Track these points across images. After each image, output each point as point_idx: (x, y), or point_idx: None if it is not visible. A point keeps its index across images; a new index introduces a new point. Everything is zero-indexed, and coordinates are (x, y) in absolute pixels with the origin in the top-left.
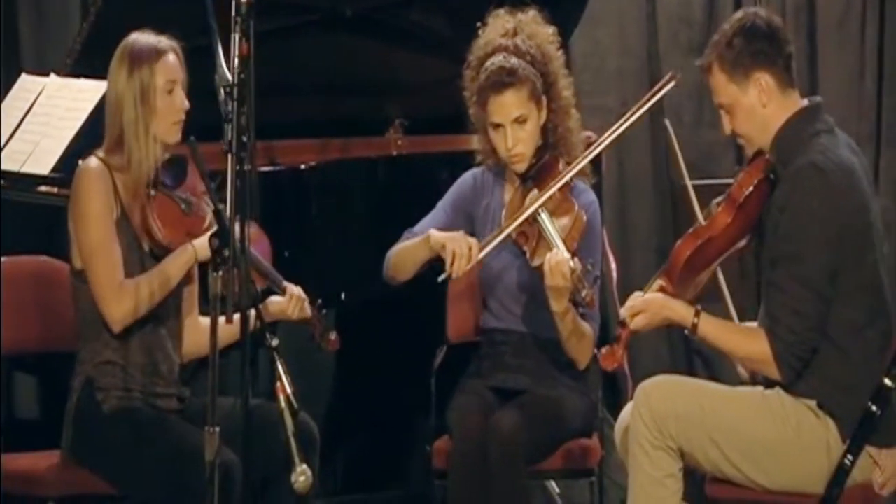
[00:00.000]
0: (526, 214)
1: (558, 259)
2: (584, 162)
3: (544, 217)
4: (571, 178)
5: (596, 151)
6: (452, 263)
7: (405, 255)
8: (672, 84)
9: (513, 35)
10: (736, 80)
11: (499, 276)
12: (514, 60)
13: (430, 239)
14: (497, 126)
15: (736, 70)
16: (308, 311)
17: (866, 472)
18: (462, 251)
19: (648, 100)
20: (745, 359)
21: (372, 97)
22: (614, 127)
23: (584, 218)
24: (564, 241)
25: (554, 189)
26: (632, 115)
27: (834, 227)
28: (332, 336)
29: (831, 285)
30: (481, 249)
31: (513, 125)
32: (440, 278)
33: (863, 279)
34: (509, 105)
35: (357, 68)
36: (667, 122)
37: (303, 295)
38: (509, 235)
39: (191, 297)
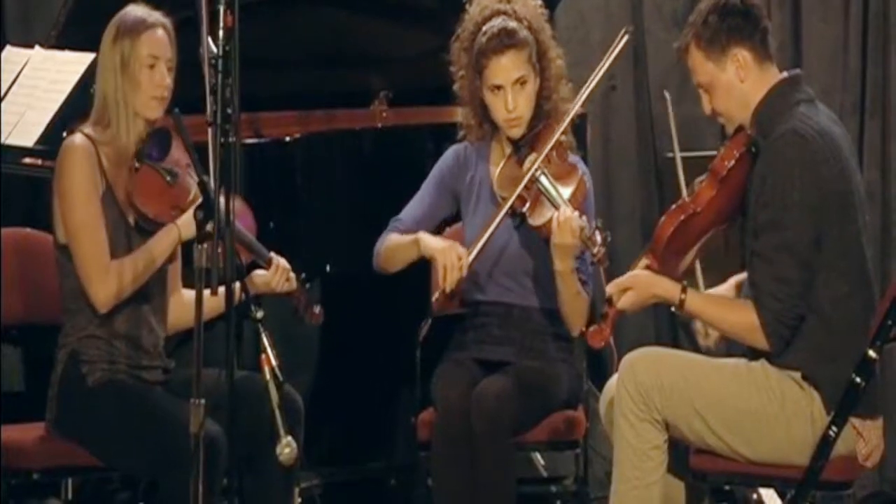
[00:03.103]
0: (526, 179)
1: (567, 216)
2: (570, 116)
3: (545, 178)
4: (565, 143)
5: (576, 107)
6: (445, 277)
7: (394, 252)
8: (627, 38)
9: (508, 1)
10: (713, 57)
11: (487, 248)
12: (513, 23)
13: (419, 244)
14: (496, 88)
15: (712, 47)
16: (293, 283)
17: (850, 443)
18: (452, 263)
19: (609, 56)
20: (732, 331)
21: (357, 69)
22: (583, 89)
23: (588, 183)
24: (569, 202)
25: (551, 145)
26: (598, 73)
27: (815, 192)
28: (317, 309)
29: (814, 252)
30: (477, 241)
31: (513, 87)
32: (434, 298)
33: (846, 248)
34: (510, 66)
35: (342, 40)
36: (666, 94)
37: (287, 267)
38: (511, 207)
39: (175, 272)
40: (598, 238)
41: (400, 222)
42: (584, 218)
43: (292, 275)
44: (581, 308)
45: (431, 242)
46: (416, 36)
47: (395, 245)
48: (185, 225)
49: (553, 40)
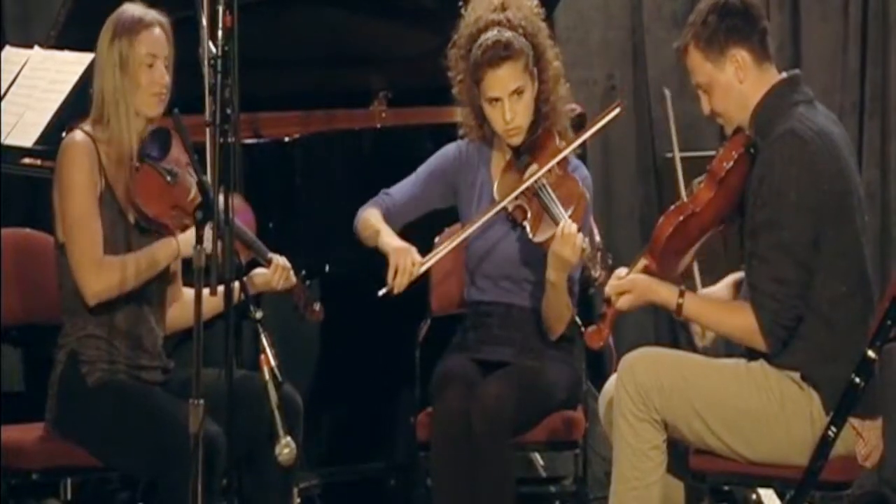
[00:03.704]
0: (523, 187)
1: (571, 230)
2: (575, 145)
3: (546, 193)
4: (563, 147)
5: (582, 138)
6: (395, 277)
7: (365, 229)
8: (618, 111)
9: (502, 9)
10: (712, 58)
11: (488, 250)
12: (508, 34)
13: (379, 238)
14: (494, 100)
15: (711, 48)
16: (293, 280)
17: (849, 443)
18: (405, 267)
19: (595, 124)
20: (731, 333)
21: (357, 69)
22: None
23: (588, 197)
24: (571, 218)
25: (552, 163)
26: (583, 136)
27: (813, 192)
28: (317, 307)
29: (812, 253)
30: (472, 225)
31: (510, 98)
32: (380, 293)
33: (844, 248)
34: (507, 78)
35: (342, 40)
36: (666, 92)
37: (287, 265)
38: (504, 209)
39: (175, 272)
40: (600, 259)
41: (388, 197)
42: (588, 240)
43: (292, 272)
44: (565, 317)
45: (390, 241)
46: (416, 36)
47: (366, 224)
48: (186, 242)
49: (550, 40)
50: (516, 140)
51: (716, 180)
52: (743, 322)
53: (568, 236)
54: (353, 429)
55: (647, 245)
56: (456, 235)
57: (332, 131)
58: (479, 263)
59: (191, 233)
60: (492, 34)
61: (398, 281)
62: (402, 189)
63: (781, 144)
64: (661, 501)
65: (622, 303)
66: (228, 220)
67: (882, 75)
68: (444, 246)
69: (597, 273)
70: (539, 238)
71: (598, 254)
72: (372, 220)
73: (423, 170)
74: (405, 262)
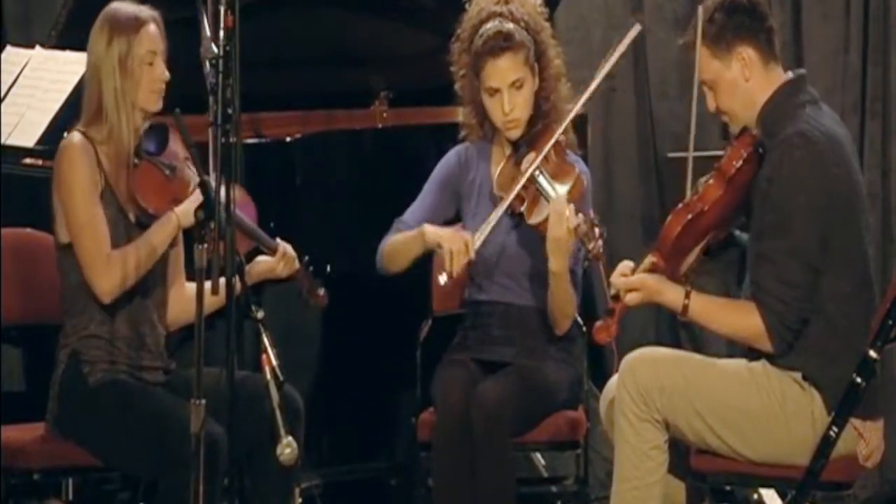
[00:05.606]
0: (524, 178)
1: (561, 204)
2: (573, 114)
3: (543, 178)
4: (564, 142)
5: (580, 104)
6: (451, 262)
7: (399, 248)
8: (638, 30)
9: (505, 2)
10: (718, 55)
11: (487, 248)
12: (509, 25)
13: (424, 235)
14: (493, 91)
15: (718, 45)
16: (296, 266)
17: (851, 443)
18: (458, 248)
19: (616, 48)
20: (736, 334)
21: (357, 69)
22: (593, 82)
23: (585, 182)
24: (568, 197)
25: (549, 147)
26: (606, 65)
27: (822, 195)
28: (321, 291)
29: (820, 255)
30: (480, 236)
31: (510, 90)
32: (442, 281)
33: (851, 249)
34: (506, 69)
35: (342, 40)
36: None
37: (292, 252)
38: (510, 207)
39: (176, 265)
40: (595, 233)
41: (402, 223)
42: (581, 215)
43: (296, 260)
44: (570, 311)
45: (436, 231)
46: (416, 36)
47: (400, 241)
48: (184, 213)
49: (553, 39)
50: (515, 134)
51: (725, 179)
52: (749, 323)
53: (557, 206)
54: (353, 429)
55: (655, 243)
56: (490, 216)
57: (333, 131)
58: (478, 262)
59: (188, 203)
60: (493, 25)
61: (456, 263)
62: (412, 212)
63: (791, 146)
64: (662, 501)
65: (629, 299)
66: (230, 217)
67: (883, 75)
68: (490, 220)
69: (591, 245)
70: (534, 220)
71: (593, 228)
72: (401, 236)
73: (428, 186)
74: (458, 244)
